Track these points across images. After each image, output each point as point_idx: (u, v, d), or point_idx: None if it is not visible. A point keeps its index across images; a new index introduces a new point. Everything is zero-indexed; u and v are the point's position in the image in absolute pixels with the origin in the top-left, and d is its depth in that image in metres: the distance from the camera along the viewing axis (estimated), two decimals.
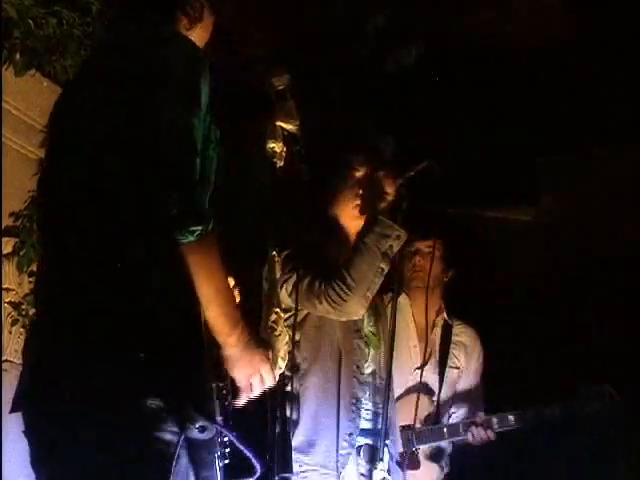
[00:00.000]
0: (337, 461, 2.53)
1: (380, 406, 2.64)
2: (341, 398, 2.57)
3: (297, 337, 2.53)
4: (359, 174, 2.72)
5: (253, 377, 1.88)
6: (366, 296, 2.56)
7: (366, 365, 2.67)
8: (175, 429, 1.62)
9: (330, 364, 2.61)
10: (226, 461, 1.78)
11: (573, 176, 4.17)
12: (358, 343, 2.66)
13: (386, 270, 2.59)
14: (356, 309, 2.58)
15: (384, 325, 2.74)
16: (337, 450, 2.53)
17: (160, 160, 1.65)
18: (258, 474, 1.90)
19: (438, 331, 3.16)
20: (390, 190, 2.63)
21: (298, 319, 2.50)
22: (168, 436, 1.62)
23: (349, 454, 2.56)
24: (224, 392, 1.82)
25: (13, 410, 1.71)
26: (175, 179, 1.65)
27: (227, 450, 1.78)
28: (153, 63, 1.72)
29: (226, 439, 1.76)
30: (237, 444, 1.75)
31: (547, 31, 4.03)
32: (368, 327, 2.73)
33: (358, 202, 2.69)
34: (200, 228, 1.66)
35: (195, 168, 1.69)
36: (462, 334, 3.20)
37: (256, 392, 1.92)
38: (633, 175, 4.02)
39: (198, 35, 1.97)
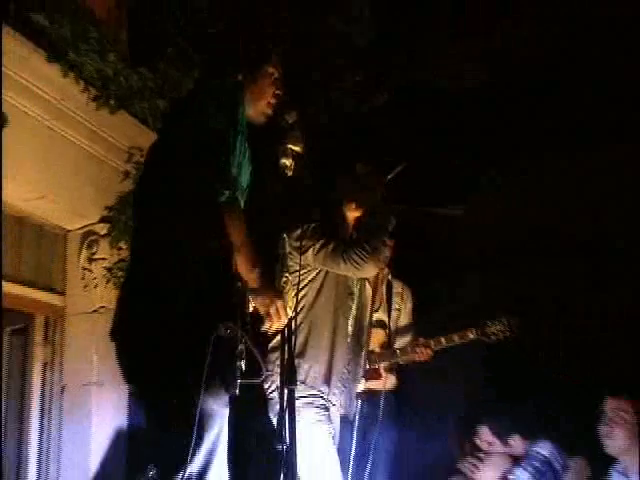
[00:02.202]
0: (316, 385, 2.93)
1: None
2: (337, 342, 3.00)
3: (304, 290, 3.00)
4: (357, 180, 3.19)
5: (270, 307, 2.19)
6: (380, 260, 3.04)
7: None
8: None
9: (326, 312, 3.04)
10: (243, 361, 2.08)
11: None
12: (349, 303, 3.16)
13: (388, 244, 3.13)
14: (371, 269, 3.07)
15: (362, 287, 3.38)
16: (319, 375, 2.95)
17: (205, 151, 2.08)
18: (264, 377, 2.30)
19: (384, 286, 3.88)
20: (380, 189, 3.15)
21: (310, 277, 3.04)
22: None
23: (344, 389, 3.02)
24: (246, 315, 2.18)
25: (112, 340, 2.24)
26: (213, 161, 2.09)
27: (244, 354, 2.07)
28: (211, 94, 2.24)
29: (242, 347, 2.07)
30: (250, 346, 2.07)
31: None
32: (354, 287, 3.21)
33: (356, 199, 3.17)
34: (227, 192, 2.08)
35: (228, 156, 2.05)
36: (399, 287, 3.91)
37: (275, 322, 2.21)
38: (633, 175, 4.30)
39: (253, 90, 2.41)
